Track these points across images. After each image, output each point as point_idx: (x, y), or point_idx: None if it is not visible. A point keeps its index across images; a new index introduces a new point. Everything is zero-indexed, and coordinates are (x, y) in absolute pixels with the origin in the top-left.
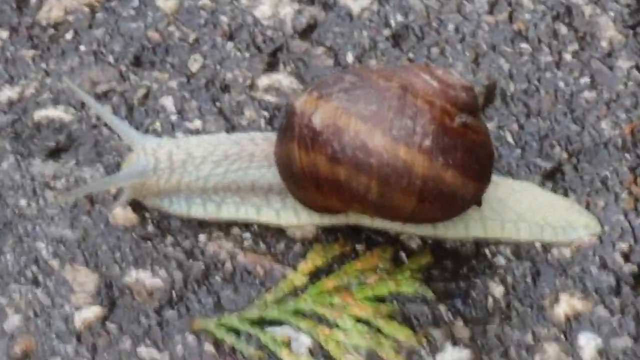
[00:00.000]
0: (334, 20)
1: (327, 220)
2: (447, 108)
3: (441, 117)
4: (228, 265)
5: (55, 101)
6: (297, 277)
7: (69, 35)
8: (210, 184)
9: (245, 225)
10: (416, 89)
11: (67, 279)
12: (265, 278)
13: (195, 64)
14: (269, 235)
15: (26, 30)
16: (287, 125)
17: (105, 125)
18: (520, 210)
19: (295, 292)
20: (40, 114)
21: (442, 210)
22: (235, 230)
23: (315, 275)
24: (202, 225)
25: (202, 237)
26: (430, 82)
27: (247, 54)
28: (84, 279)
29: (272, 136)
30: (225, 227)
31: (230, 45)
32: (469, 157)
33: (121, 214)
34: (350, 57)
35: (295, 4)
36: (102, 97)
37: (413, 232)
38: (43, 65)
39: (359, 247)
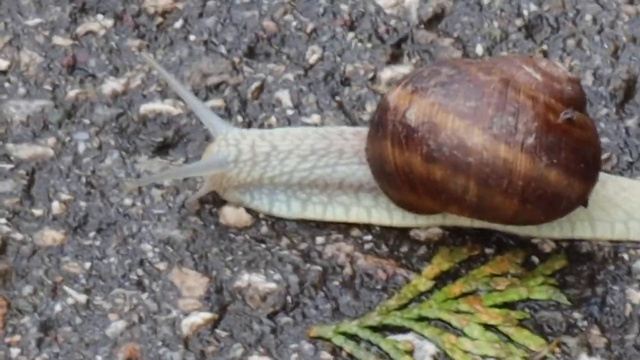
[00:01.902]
0: (462, 10)
1: (423, 221)
2: (552, 103)
3: (545, 114)
4: (347, 269)
5: (163, 94)
6: (422, 282)
7: (178, 24)
8: (295, 179)
9: (367, 227)
10: (518, 83)
11: (175, 283)
12: (387, 283)
13: (313, 55)
14: (391, 237)
15: (132, 19)
16: (379, 120)
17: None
18: (630, 208)
19: (420, 298)
20: (146, 108)
21: (546, 213)
22: (355, 232)
23: (441, 280)
24: (320, 226)
25: (319, 239)
26: (533, 75)
27: (369, 45)
28: (193, 283)
29: (363, 131)
30: (344, 228)
31: (351, 35)
32: (575, 155)
33: (233, 214)
34: (479, 49)
35: None
36: (214, 90)
37: (515, 232)
38: (150, 55)
39: (489, 250)
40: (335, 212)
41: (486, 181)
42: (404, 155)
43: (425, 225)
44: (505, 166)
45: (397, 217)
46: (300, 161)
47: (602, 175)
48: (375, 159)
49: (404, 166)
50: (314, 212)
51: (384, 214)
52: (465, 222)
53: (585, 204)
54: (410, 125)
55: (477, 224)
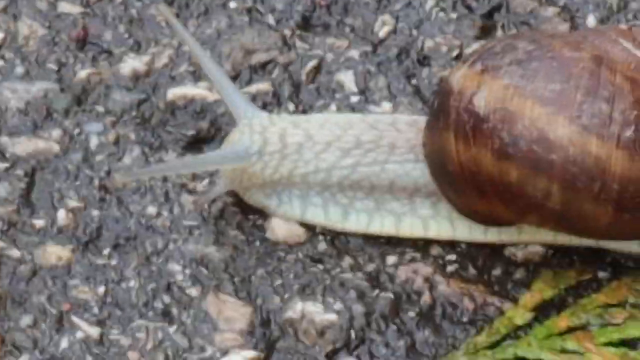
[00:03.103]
0: None
1: (493, 235)
2: None
3: None
4: (426, 297)
5: (196, 75)
6: (519, 313)
7: None
8: (333, 178)
9: (450, 244)
10: (614, 61)
11: (210, 313)
12: (475, 314)
13: (383, 27)
14: (480, 256)
15: None
16: (440, 108)
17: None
18: None
19: (516, 334)
20: (175, 92)
21: None
22: (436, 250)
23: (543, 312)
24: (392, 243)
25: (391, 259)
26: (633, 51)
27: (453, 15)
28: (233, 313)
29: (421, 120)
30: (422, 245)
31: (430, 2)
32: None
33: (283, 228)
34: (591, 20)
35: None
36: (259, 70)
37: (612, 248)
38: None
39: (602, 274)
40: (384, 223)
41: (573, 184)
42: (470, 150)
43: (497, 240)
44: (597, 165)
45: (462, 230)
46: (342, 156)
47: None
48: (435, 155)
49: (471, 164)
50: (357, 221)
51: (445, 225)
52: (546, 236)
53: None
54: (478, 113)
55: (561, 239)
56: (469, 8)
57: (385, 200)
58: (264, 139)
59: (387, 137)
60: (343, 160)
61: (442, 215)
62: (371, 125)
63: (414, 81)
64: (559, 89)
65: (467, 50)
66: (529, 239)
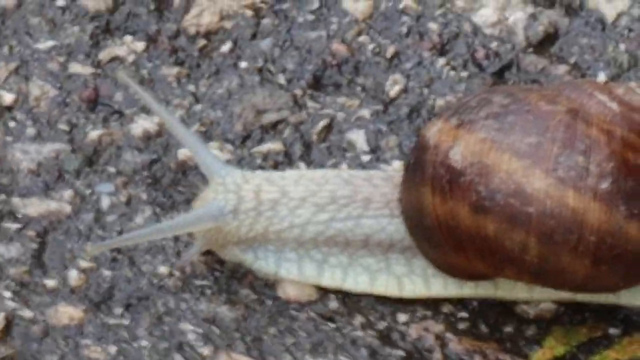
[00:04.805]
0: (580, 29)
1: (470, 290)
2: (631, 139)
3: (623, 152)
4: (437, 355)
5: (208, 135)
6: None
7: (225, 48)
8: (308, 234)
9: (461, 302)
10: (590, 114)
11: None
12: None
13: (395, 86)
14: (492, 314)
15: (168, 41)
16: (416, 162)
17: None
18: None
19: None
20: (186, 153)
21: (625, 276)
22: (447, 308)
23: None
24: (403, 301)
25: (402, 317)
26: (608, 104)
27: (464, 74)
28: None
29: (396, 176)
30: (433, 303)
31: (441, 61)
32: None
33: (294, 287)
34: (602, 78)
35: (529, 7)
36: (270, 130)
37: (623, 304)
38: (191, 87)
39: (614, 331)
40: (358, 280)
41: (550, 237)
42: (447, 205)
43: (474, 295)
44: (575, 217)
45: (437, 286)
46: (316, 211)
47: None
48: (412, 210)
49: (447, 219)
50: (332, 277)
51: (419, 283)
52: (521, 291)
53: None
54: (455, 167)
55: (538, 294)
56: (479, 67)
57: (360, 256)
58: (238, 197)
59: (362, 192)
60: (318, 216)
61: (416, 273)
62: (346, 181)
63: None
64: (536, 142)
65: None
66: (503, 294)
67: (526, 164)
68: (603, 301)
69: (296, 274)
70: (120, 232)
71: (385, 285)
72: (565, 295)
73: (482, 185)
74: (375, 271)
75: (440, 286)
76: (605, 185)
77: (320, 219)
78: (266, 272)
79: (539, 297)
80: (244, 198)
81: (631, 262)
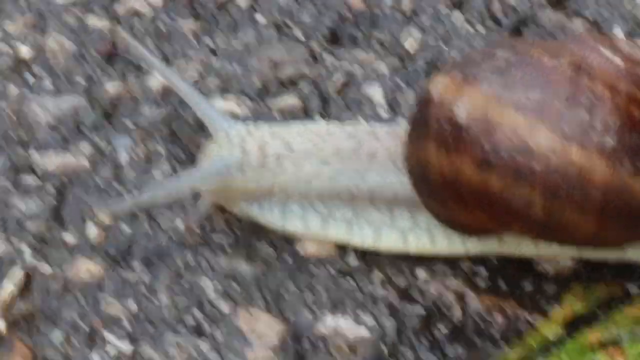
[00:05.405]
0: None
1: (474, 246)
2: (636, 94)
3: (627, 107)
4: (456, 312)
5: (224, 89)
6: (550, 328)
7: (242, 2)
8: (313, 188)
9: (480, 259)
10: (593, 69)
11: (242, 328)
12: (506, 328)
13: (411, 41)
14: (511, 270)
15: None
16: (420, 118)
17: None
18: None
19: (548, 348)
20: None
21: (630, 231)
22: (466, 264)
23: (574, 326)
24: (422, 258)
25: (421, 274)
26: (612, 58)
27: (480, 29)
28: (264, 329)
29: (401, 130)
30: (451, 260)
31: (457, 16)
32: None
33: (314, 242)
34: (619, 33)
35: None
36: (288, 84)
37: (592, 256)
38: (208, 41)
39: (632, 287)
40: (363, 235)
41: (555, 192)
42: (451, 160)
43: (478, 251)
44: (579, 173)
45: (441, 242)
46: (320, 165)
47: None
48: (416, 164)
49: (451, 174)
50: (337, 231)
51: (424, 237)
52: (527, 247)
53: None
54: (459, 122)
55: (543, 249)
56: (495, 21)
57: (365, 211)
58: (243, 150)
59: (366, 146)
60: (322, 169)
61: (420, 227)
62: (350, 135)
63: None
64: (539, 97)
65: None
66: (510, 249)
67: (530, 119)
68: (606, 257)
69: (300, 227)
70: (138, 187)
71: (388, 239)
72: (570, 251)
73: (486, 140)
74: (379, 226)
75: (445, 241)
76: (609, 141)
77: (325, 172)
78: (271, 224)
79: (543, 254)
80: (248, 152)
81: (636, 218)
